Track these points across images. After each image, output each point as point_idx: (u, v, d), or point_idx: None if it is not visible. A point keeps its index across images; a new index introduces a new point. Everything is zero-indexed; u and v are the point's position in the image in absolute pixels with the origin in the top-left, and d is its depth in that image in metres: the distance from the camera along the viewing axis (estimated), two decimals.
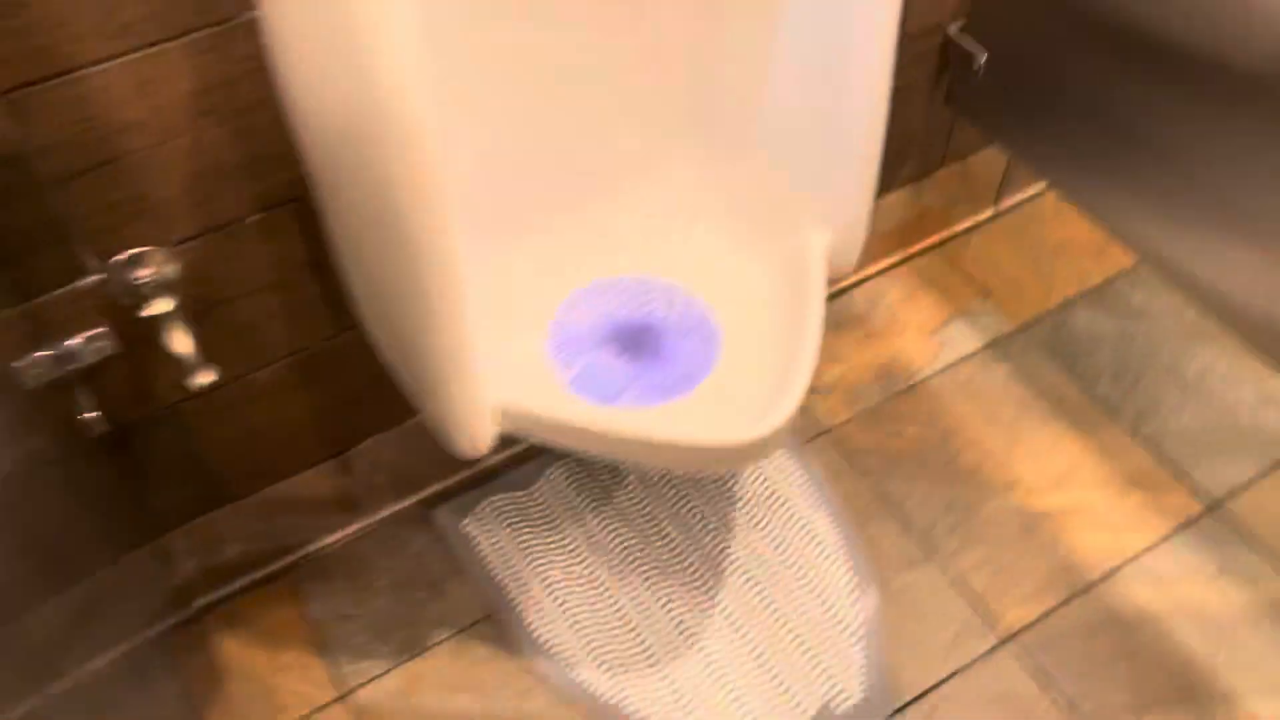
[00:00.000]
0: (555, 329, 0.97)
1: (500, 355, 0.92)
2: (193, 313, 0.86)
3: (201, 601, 1.11)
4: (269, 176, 0.82)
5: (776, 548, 1.16)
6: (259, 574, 1.13)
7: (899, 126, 1.21)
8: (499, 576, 1.14)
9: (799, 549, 1.16)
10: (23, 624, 0.67)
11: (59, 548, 0.80)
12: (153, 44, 0.70)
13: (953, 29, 1.12)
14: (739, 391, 0.92)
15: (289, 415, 1.01)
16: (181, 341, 0.77)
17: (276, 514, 1.10)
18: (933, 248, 1.43)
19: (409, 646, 1.10)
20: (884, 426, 1.26)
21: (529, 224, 0.97)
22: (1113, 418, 1.26)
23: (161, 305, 0.76)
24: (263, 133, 0.79)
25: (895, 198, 1.32)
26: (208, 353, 0.90)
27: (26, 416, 0.81)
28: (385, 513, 1.19)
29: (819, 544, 1.16)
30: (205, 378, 0.79)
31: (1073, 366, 1.31)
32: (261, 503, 1.07)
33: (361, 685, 1.07)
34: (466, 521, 1.19)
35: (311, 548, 1.16)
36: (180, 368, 0.79)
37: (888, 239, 1.37)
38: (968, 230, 1.44)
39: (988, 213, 1.45)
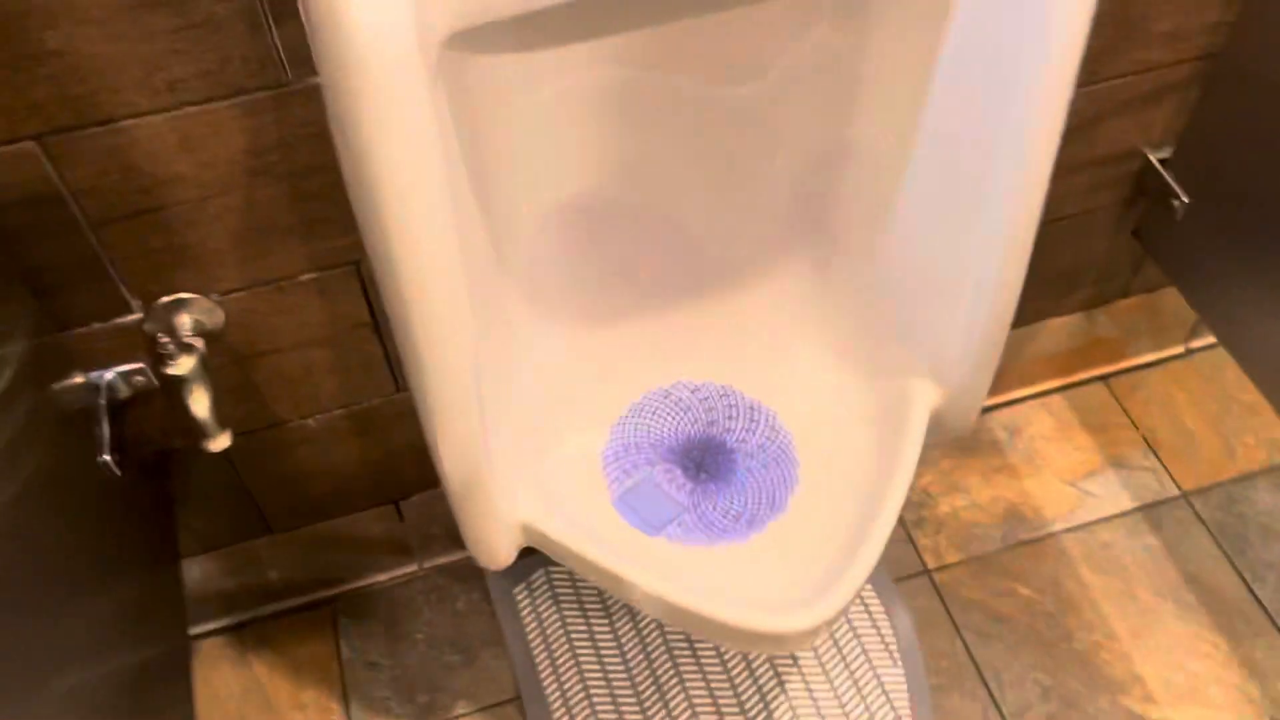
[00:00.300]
0: (617, 433, 0.88)
1: (547, 457, 0.85)
2: (238, 356, 0.83)
3: (236, 618, 1.09)
4: (327, 239, 0.77)
5: (839, 698, 1.04)
6: (300, 600, 1.11)
7: (1075, 251, 1.05)
8: (537, 657, 1.08)
9: (863, 705, 1.04)
10: (28, 627, 0.67)
11: (77, 559, 0.79)
12: (200, 102, 0.66)
13: (1154, 157, 0.95)
14: (798, 553, 0.81)
15: (341, 461, 0.97)
16: (200, 404, 0.73)
17: (324, 549, 1.07)
18: (1098, 379, 1.25)
19: (428, 713, 1.05)
20: (995, 580, 1.11)
21: (611, 313, 0.88)
22: (1274, 630, 1.07)
23: (184, 365, 0.72)
24: (321, 196, 0.73)
25: (1062, 323, 1.15)
26: (256, 395, 0.87)
27: (58, 437, 0.80)
28: (438, 561, 1.14)
29: (888, 704, 1.04)
30: (218, 444, 0.75)
31: (1240, 555, 1.11)
32: (310, 537, 1.04)
33: None
34: (520, 589, 1.12)
35: (358, 583, 1.12)
36: (201, 428, 0.75)
37: (1046, 363, 1.21)
38: (1145, 366, 1.25)
39: (1174, 350, 1.26)
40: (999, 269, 0.74)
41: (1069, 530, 1.14)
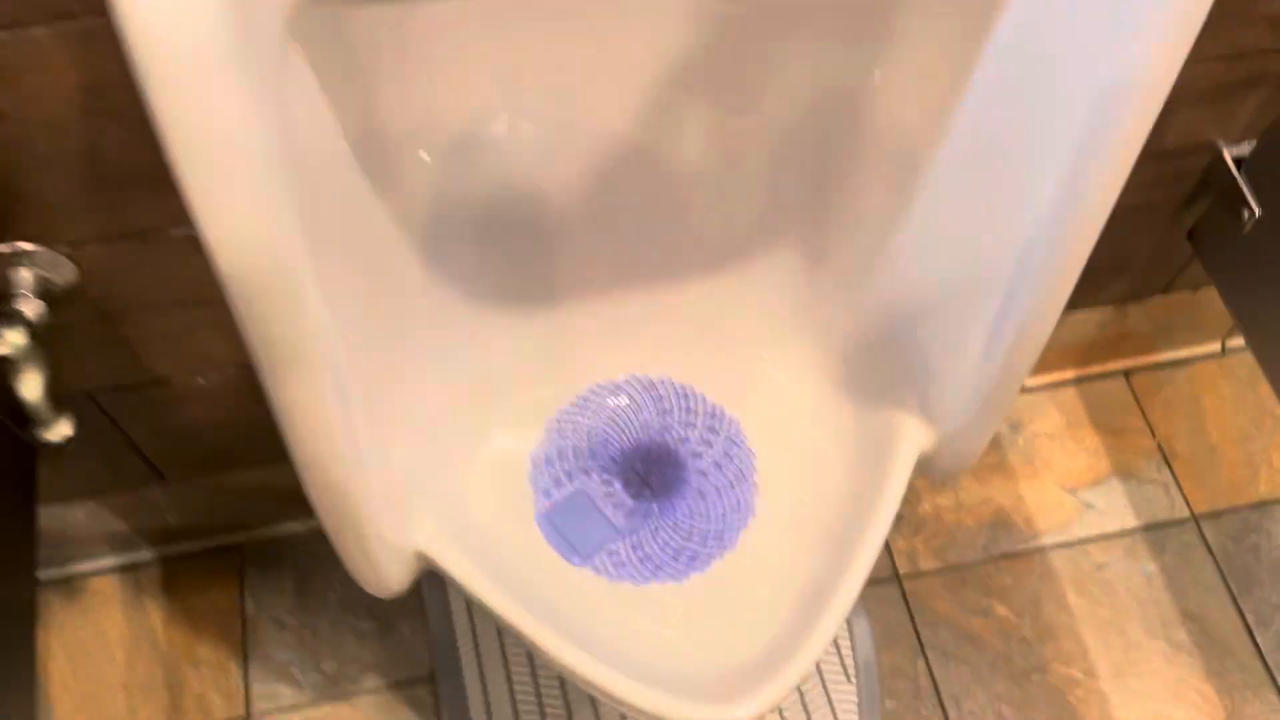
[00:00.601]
0: (553, 432, 0.75)
1: (468, 460, 0.72)
2: (103, 312, 0.70)
3: (131, 558, 0.99)
4: None
5: (780, 713, 0.95)
6: (202, 544, 1.00)
7: (1118, 245, 0.90)
8: (459, 635, 0.98)
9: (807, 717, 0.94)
10: None
11: None
12: (8, 26, 0.50)
13: (1230, 155, 0.79)
14: (743, 608, 0.69)
15: (243, 418, 0.84)
16: (30, 387, 0.60)
17: (230, 496, 0.96)
18: (1119, 374, 1.11)
19: (333, 684, 0.96)
20: (971, 595, 1.00)
21: (555, 291, 0.74)
22: (1271, 686, 0.97)
23: (10, 341, 0.59)
24: None
25: (1090, 314, 1.01)
26: (129, 352, 0.74)
27: None
28: None
29: None
30: (58, 433, 0.62)
31: (1246, 594, 1.00)
32: (213, 485, 0.93)
33: (268, 714, 0.94)
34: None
35: (269, 531, 1.02)
36: (33, 415, 0.62)
37: (1064, 352, 1.07)
38: (1173, 364, 1.11)
39: (1209, 348, 1.12)
40: (1031, 304, 0.60)
41: (1060, 546, 1.03)
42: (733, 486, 0.74)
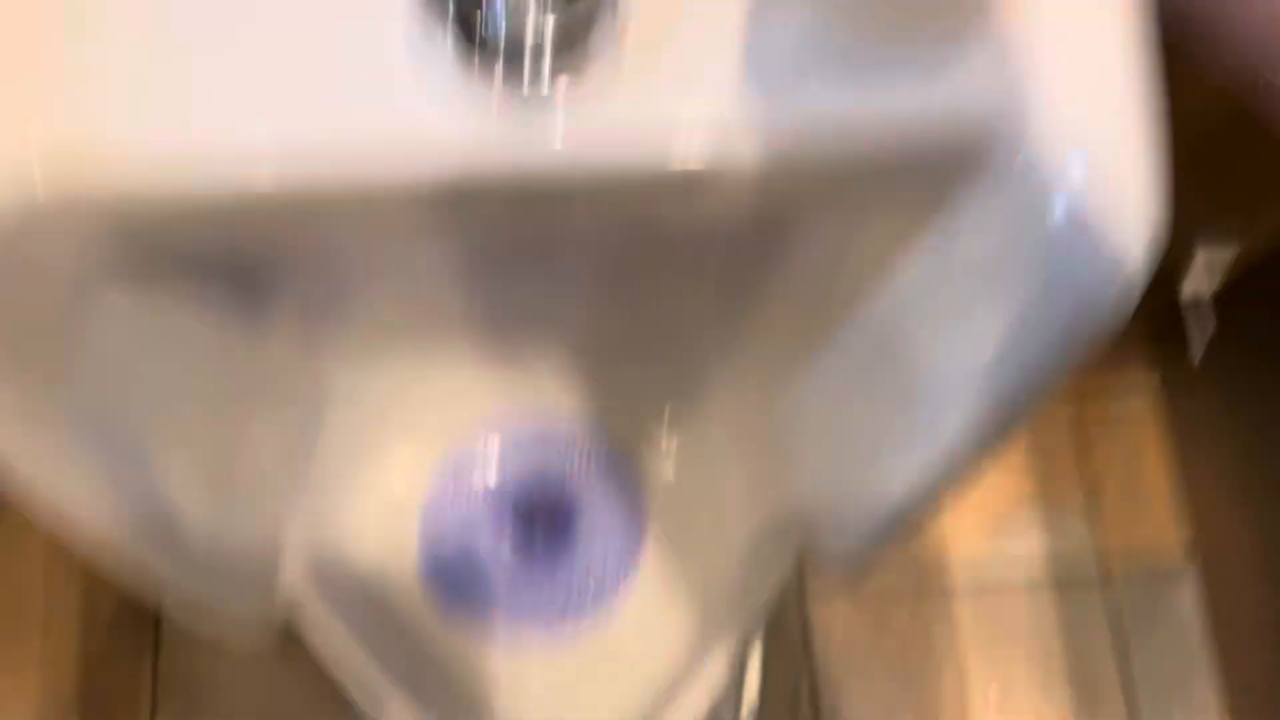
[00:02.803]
0: (444, 481, 0.74)
1: (350, 508, 0.71)
2: None
3: None
4: None
5: None
6: None
7: None
8: None
9: None
10: None
11: None
12: None
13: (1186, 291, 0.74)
14: (604, 681, 0.70)
15: None
16: None
17: None
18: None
19: None
20: (873, 607, 1.02)
21: (461, 329, 0.71)
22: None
23: None
24: None
25: None
26: None
27: None
28: None
29: None
30: None
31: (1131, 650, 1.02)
32: None
33: None
34: None
35: None
36: None
37: None
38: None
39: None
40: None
41: (969, 592, 1.03)
42: (623, 535, 0.73)
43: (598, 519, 0.74)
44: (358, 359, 0.67)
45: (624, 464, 0.74)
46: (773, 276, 0.63)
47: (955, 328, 0.50)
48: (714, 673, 0.65)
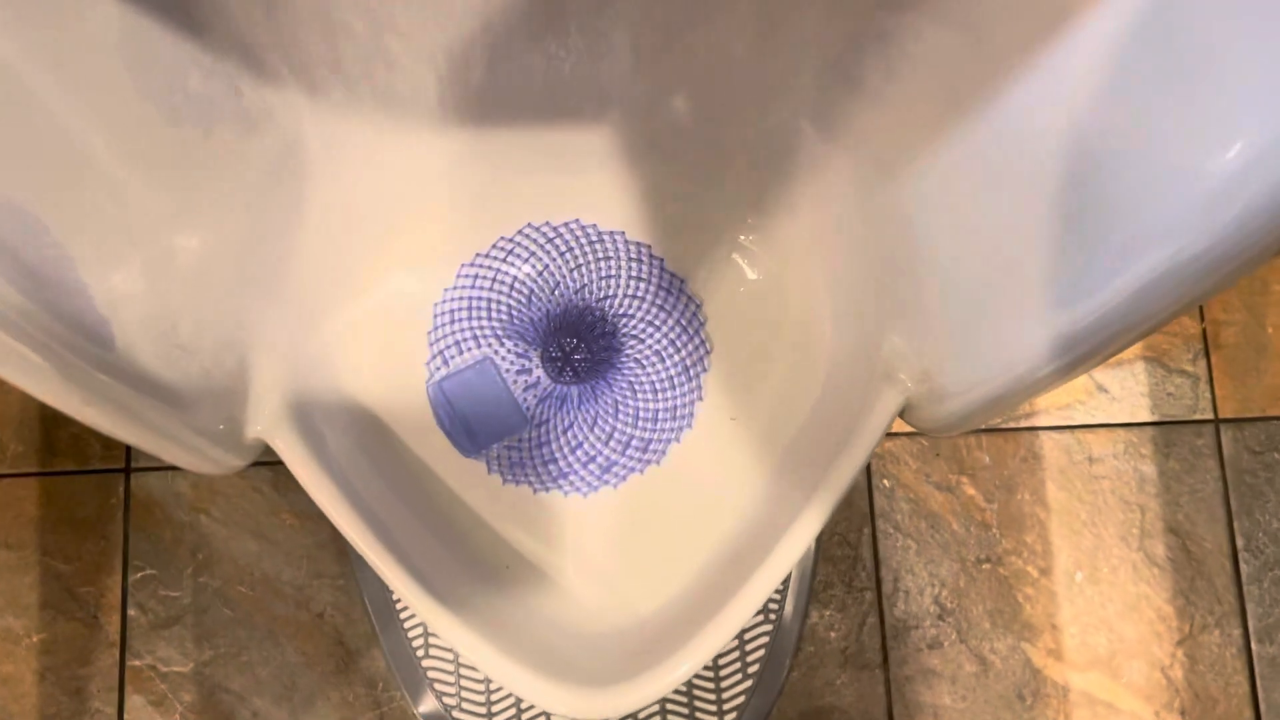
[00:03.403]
0: (462, 287, 0.60)
1: (350, 306, 0.58)
2: None
3: None
4: None
5: None
6: None
7: None
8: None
9: None
10: None
11: None
12: None
13: None
14: (651, 548, 0.58)
15: None
16: None
17: None
18: None
19: None
20: (941, 467, 0.90)
21: (493, 113, 0.55)
22: (1237, 618, 0.89)
23: None
24: None
25: None
26: None
27: None
28: None
29: None
30: None
31: (1244, 514, 0.90)
32: None
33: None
34: None
35: None
36: None
37: None
38: None
39: None
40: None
41: (1055, 428, 0.90)
42: (673, 385, 0.60)
43: (643, 363, 0.60)
44: (361, 134, 0.52)
45: (687, 298, 0.61)
46: (894, 40, 0.47)
47: (1166, 145, 0.35)
48: (800, 534, 0.53)
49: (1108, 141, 0.37)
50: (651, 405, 0.59)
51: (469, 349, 0.58)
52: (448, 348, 0.58)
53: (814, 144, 0.55)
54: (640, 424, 0.59)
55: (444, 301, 0.58)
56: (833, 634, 0.87)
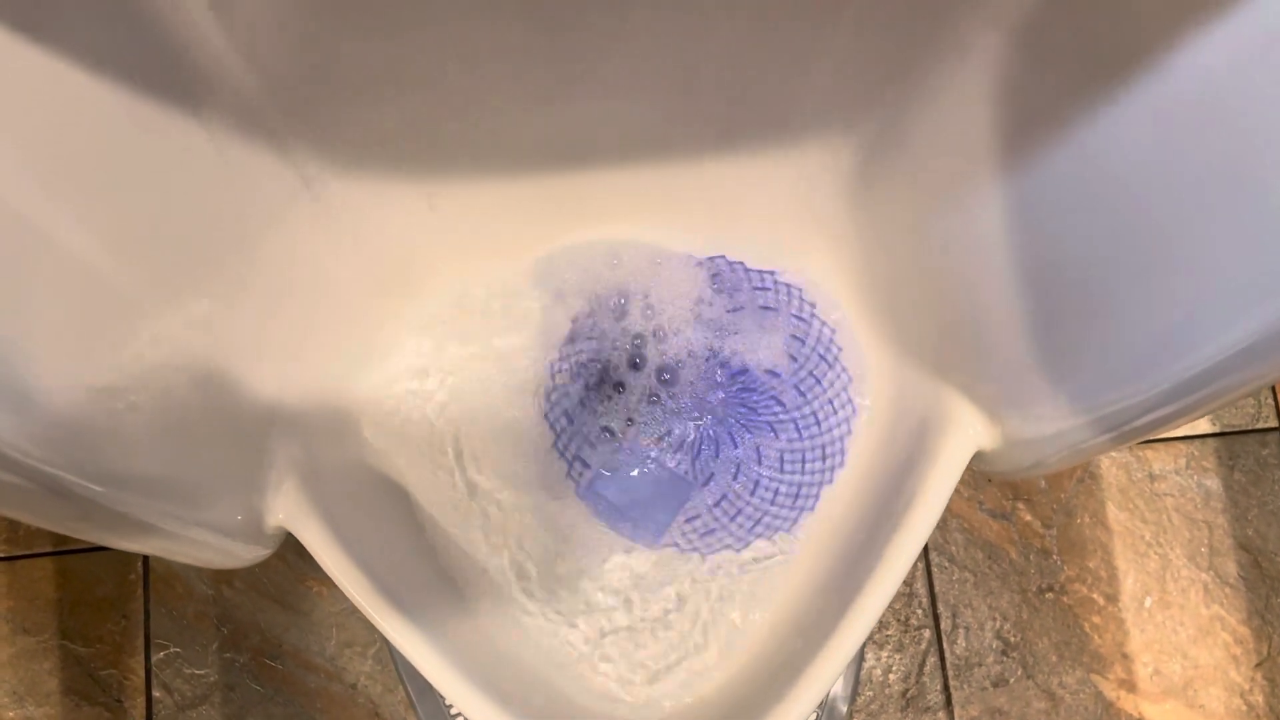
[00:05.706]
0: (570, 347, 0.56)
1: (372, 385, 0.54)
2: None
3: None
4: None
5: None
6: None
7: None
8: None
9: None
10: None
11: None
12: None
13: None
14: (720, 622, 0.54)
15: None
16: None
17: None
18: None
19: None
20: (994, 494, 0.85)
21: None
22: None
23: None
24: None
25: None
26: None
27: None
28: None
29: None
30: None
31: None
32: None
33: None
34: None
35: None
36: None
37: None
38: None
39: None
40: None
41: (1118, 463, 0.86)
42: (825, 436, 0.55)
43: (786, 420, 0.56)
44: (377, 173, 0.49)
45: (823, 327, 0.56)
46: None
47: None
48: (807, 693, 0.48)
49: (1214, 173, 0.33)
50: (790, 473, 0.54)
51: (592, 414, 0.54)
52: (570, 411, 0.54)
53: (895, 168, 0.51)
54: (788, 479, 0.54)
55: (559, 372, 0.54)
56: (891, 676, 0.82)
